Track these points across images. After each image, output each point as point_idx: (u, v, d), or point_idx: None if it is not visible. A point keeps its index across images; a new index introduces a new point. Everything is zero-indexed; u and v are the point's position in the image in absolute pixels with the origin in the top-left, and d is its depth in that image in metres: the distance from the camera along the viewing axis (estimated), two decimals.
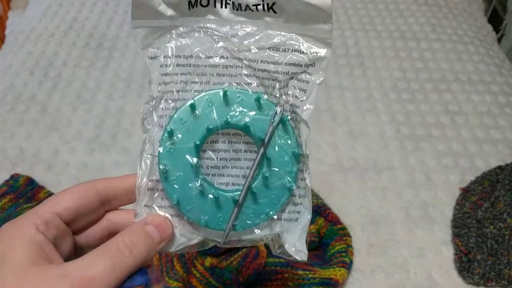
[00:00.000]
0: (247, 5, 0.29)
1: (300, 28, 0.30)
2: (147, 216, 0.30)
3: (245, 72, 0.30)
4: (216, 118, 0.29)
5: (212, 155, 0.30)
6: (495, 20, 1.08)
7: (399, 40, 0.94)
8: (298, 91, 0.31)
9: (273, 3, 0.29)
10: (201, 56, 0.30)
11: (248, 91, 0.30)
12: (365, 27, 0.98)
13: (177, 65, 0.30)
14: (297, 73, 0.30)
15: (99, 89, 0.80)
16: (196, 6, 0.29)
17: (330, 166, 0.69)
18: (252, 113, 0.29)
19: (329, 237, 0.57)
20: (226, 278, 0.51)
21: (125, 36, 0.93)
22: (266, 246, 0.54)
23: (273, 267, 0.53)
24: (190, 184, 0.29)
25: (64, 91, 0.80)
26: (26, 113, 0.75)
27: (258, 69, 0.30)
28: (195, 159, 0.29)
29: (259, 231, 0.30)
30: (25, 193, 0.61)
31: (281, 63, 0.30)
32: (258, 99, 0.29)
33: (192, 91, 0.30)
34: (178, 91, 0.30)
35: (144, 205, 0.30)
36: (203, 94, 0.30)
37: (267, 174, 0.29)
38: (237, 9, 0.29)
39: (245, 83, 0.30)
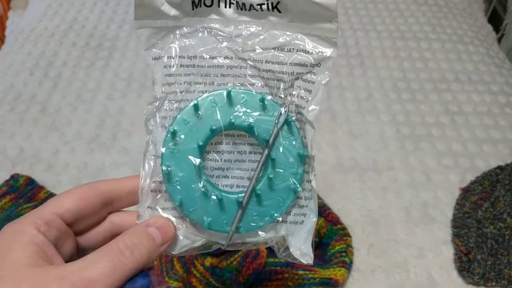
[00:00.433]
0: (251, 5, 0.29)
1: (305, 28, 0.29)
2: (149, 217, 0.29)
3: (249, 72, 0.29)
4: (219, 118, 0.29)
5: (216, 156, 0.30)
6: (495, 20, 1.08)
7: (399, 40, 0.94)
8: (303, 91, 0.30)
9: (278, 3, 0.28)
10: (205, 57, 0.29)
11: (252, 91, 0.29)
12: (365, 27, 0.98)
13: (180, 66, 0.29)
14: (302, 73, 0.30)
15: (99, 89, 0.80)
16: (200, 6, 0.29)
17: (330, 166, 0.69)
18: (256, 113, 0.29)
19: (329, 237, 0.57)
20: (226, 278, 0.51)
21: (125, 36, 0.93)
22: (267, 247, 0.54)
23: (273, 267, 0.53)
24: (193, 185, 0.29)
25: (64, 91, 0.80)
26: (26, 113, 0.75)
27: (262, 69, 0.29)
28: (198, 160, 0.29)
29: (263, 233, 0.30)
30: (25, 193, 0.61)
31: (286, 63, 0.29)
32: (262, 100, 0.29)
33: (196, 92, 0.29)
34: (181, 92, 0.30)
35: (147, 207, 0.30)
36: (206, 94, 0.29)
37: (271, 176, 0.29)
38: (241, 9, 0.29)
39: (249, 84, 0.30)
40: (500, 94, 0.83)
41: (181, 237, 0.30)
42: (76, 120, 0.74)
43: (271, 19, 0.29)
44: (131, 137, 0.72)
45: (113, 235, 0.29)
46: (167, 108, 0.30)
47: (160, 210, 0.30)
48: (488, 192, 0.64)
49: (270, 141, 0.29)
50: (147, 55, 0.30)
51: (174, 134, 0.29)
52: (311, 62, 0.30)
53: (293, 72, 0.29)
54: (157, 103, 0.30)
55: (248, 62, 0.29)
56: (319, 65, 0.30)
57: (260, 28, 0.29)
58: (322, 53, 0.30)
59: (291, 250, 0.30)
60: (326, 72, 0.30)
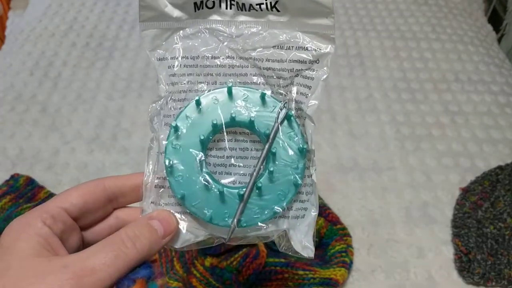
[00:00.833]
0: (250, 5, 0.30)
1: (303, 25, 0.30)
2: (152, 211, 0.30)
3: (250, 71, 0.30)
4: (220, 114, 0.30)
5: (218, 153, 0.30)
6: (495, 20, 1.08)
7: (399, 40, 0.94)
8: (303, 87, 0.31)
9: (276, 2, 0.29)
10: (208, 57, 0.30)
11: (253, 88, 0.30)
12: (365, 27, 0.98)
13: (184, 66, 0.30)
14: (301, 70, 0.30)
15: (99, 89, 0.80)
16: (202, 8, 0.30)
17: (330, 166, 0.69)
18: (257, 109, 0.30)
19: (329, 237, 0.57)
20: (226, 278, 0.51)
21: (125, 36, 0.93)
22: (267, 246, 0.54)
23: (273, 267, 0.53)
24: (194, 179, 0.29)
25: (64, 91, 0.80)
26: (26, 113, 0.75)
27: (263, 67, 0.30)
28: (200, 154, 0.29)
29: (264, 227, 0.30)
30: (25, 193, 0.61)
31: (286, 61, 0.30)
32: (263, 96, 0.30)
33: (199, 91, 0.30)
34: (185, 91, 0.30)
35: (151, 202, 0.30)
36: (208, 92, 0.30)
37: (272, 170, 0.29)
38: (242, 9, 0.30)
39: (250, 82, 0.30)
40: (500, 94, 0.83)
41: (183, 231, 0.30)
42: (76, 120, 0.74)
43: (271, 18, 0.30)
44: (131, 137, 0.72)
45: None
46: (171, 107, 0.30)
47: (163, 205, 0.30)
48: (488, 192, 0.64)
49: (271, 136, 0.29)
50: (152, 56, 0.31)
51: (176, 129, 0.30)
52: (310, 58, 0.30)
53: (293, 69, 0.30)
54: (161, 101, 0.31)
55: (249, 61, 0.30)
56: (317, 61, 0.31)
57: (260, 28, 0.30)
58: (320, 49, 0.30)
59: (292, 244, 0.30)
60: (325, 68, 0.31)
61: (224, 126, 0.30)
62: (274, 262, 0.53)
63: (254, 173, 0.29)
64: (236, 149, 0.30)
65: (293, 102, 0.30)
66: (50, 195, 0.61)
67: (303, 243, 0.30)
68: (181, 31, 0.30)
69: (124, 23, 0.97)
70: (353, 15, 1.01)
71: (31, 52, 0.88)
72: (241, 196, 0.29)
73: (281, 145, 0.30)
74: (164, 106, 0.31)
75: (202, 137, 0.29)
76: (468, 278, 0.55)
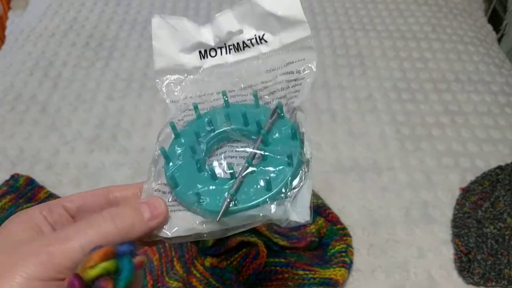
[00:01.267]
0: (243, 42, 0.35)
1: (288, 46, 0.35)
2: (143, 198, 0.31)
3: (249, 98, 0.35)
4: (217, 118, 0.33)
5: (219, 163, 0.33)
6: (495, 20, 1.08)
7: (399, 40, 0.94)
8: (293, 92, 0.34)
9: (263, 34, 0.35)
10: (213, 93, 0.35)
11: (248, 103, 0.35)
12: (365, 27, 0.98)
13: (192, 101, 0.35)
14: (291, 81, 0.34)
15: (99, 89, 0.80)
16: (206, 57, 0.35)
17: (330, 166, 0.69)
18: (248, 112, 0.33)
19: (329, 237, 0.57)
20: (226, 278, 0.51)
21: (125, 36, 0.93)
22: (267, 246, 0.54)
23: (273, 267, 0.53)
24: (189, 166, 0.31)
25: (64, 91, 0.80)
26: (26, 113, 0.75)
27: (259, 89, 0.35)
28: (195, 146, 0.32)
29: (261, 209, 0.29)
30: (25, 193, 0.61)
31: (277, 77, 0.34)
32: (255, 97, 0.34)
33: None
34: (191, 115, 0.35)
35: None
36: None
37: (267, 152, 0.31)
38: (238, 50, 0.35)
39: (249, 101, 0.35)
40: (500, 94, 0.83)
41: (176, 222, 0.30)
42: (76, 120, 0.74)
43: (261, 49, 0.35)
44: (131, 137, 0.72)
45: None
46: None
47: None
48: (488, 192, 0.64)
49: (266, 128, 0.32)
50: (167, 98, 0.35)
51: (174, 126, 0.33)
52: (297, 69, 0.34)
53: (283, 80, 0.34)
54: (166, 127, 0.34)
55: (247, 89, 0.35)
56: (304, 70, 0.34)
57: (255, 60, 0.35)
58: (304, 59, 0.34)
59: (288, 217, 0.29)
60: (312, 72, 0.34)
61: (217, 135, 0.33)
62: (274, 262, 0.53)
63: (248, 158, 0.31)
64: (236, 157, 0.33)
65: (285, 102, 0.34)
66: (50, 195, 0.61)
67: (298, 212, 0.29)
68: (190, 77, 0.35)
69: (124, 23, 0.97)
70: (353, 15, 1.01)
71: (31, 52, 0.88)
72: (234, 177, 0.30)
73: (275, 133, 0.32)
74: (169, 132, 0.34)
75: (198, 135, 0.32)
76: (468, 278, 0.55)
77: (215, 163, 0.32)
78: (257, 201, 0.29)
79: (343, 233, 0.57)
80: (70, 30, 0.94)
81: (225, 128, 0.33)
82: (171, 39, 0.35)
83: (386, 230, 0.60)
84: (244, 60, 0.35)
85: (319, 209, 0.59)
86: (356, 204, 0.63)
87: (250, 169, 0.30)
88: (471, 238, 0.58)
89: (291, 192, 0.30)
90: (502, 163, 0.69)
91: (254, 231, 0.53)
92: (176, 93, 0.35)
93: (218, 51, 0.35)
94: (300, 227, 0.57)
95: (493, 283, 0.55)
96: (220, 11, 0.35)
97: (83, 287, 0.22)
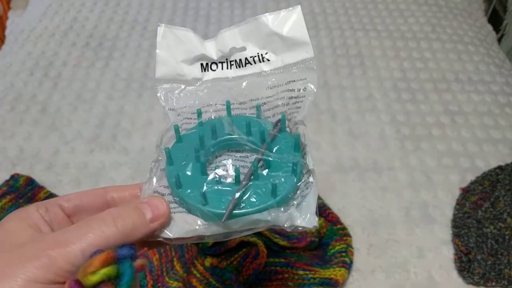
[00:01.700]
0: (246, 59, 0.36)
1: (289, 66, 0.36)
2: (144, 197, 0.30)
3: (249, 112, 0.35)
4: (221, 126, 0.33)
5: (219, 164, 0.33)
6: (495, 20, 1.08)
7: (399, 40, 0.94)
8: (293, 109, 0.35)
9: (266, 53, 0.35)
10: (212, 105, 0.36)
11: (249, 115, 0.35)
12: (365, 27, 0.98)
13: (191, 113, 0.35)
14: (292, 98, 0.35)
15: (99, 89, 0.80)
16: (207, 70, 0.36)
17: (330, 166, 0.69)
18: (251, 121, 0.34)
19: (329, 237, 0.57)
20: (226, 278, 0.51)
21: (125, 36, 0.93)
22: (267, 246, 0.54)
23: (273, 267, 0.53)
24: (192, 169, 0.31)
25: (64, 91, 0.80)
26: (26, 113, 0.75)
27: (259, 104, 0.35)
28: (197, 148, 0.32)
29: (266, 214, 0.30)
30: (25, 193, 0.61)
31: (278, 94, 0.35)
32: (257, 108, 0.34)
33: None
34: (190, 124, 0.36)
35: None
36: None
37: (271, 163, 0.31)
38: (239, 66, 0.36)
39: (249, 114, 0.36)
40: (500, 94, 0.83)
41: (179, 223, 0.30)
42: (76, 120, 0.74)
43: (263, 67, 0.36)
44: (131, 137, 0.72)
45: None
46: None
47: None
48: (488, 192, 0.64)
49: (269, 138, 0.33)
50: (166, 105, 0.36)
51: (177, 129, 0.33)
52: (298, 88, 0.35)
53: (284, 97, 0.35)
54: (167, 132, 0.35)
55: (247, 103, 0.36)
56: (305, 89, 0.35)
57: (256, 77, 0.36)
58: (306, 78, 0.35)
59: (295, 222, 0.30)
60: (313, 91, 0.35)
61: (219, 142, 0.33)
62: (274, 262, 0.53)
63: (253, 161, 0.31)
64: (236, 162, 0.33)
65: (287, 120, 0.35)
66: (50, 195, 0.61)
67: (306, 217, 0.30)
68: (190, 88, 0.36)
69: (124, 23, 0.97)
70: (353, 15, 1.01)
71: (31, 52, 0.88)
72: (238, 181, 0.30)
73: (277, 142, 0.33)
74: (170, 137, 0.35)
75: (202, 140, 0.32)
76: (468, 278, 0.55)
77: (219, 168, 0.32)
78: (262, 205, 0.29)
79: (343, 233, 0.57)
80: (70, 30, 0.94)
81: (233, 136, 0.33)
82: (175, 49, 0.35)
83: (386, 230, 0.60)
84: (245, 76, 0.36)
85: (319, 209, 0.59)
86: (356, 204, 0.63)
87: (255, 172, 0.30)
88: (471, 238, 0.58)
89: (297, 198, 0.31)
90: (502, 163, 0.69)
91: None
92: (174, 102, 0.36)
93: (219, 65, 0.36)
94: None
95: (493, 283, 0.55)
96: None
97: None
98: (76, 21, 0.97)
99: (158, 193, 0.31)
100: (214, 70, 0.36)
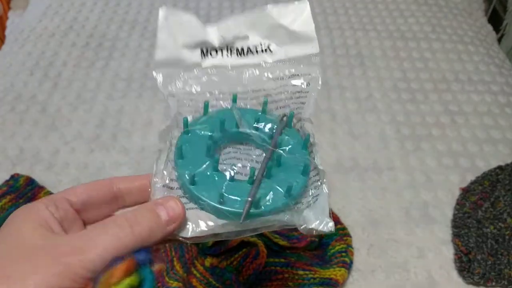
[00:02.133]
0: (248, 48, 0.35)
1: (293, 59, 0.35)
2: (159, 198, 0.29)
3: (250, 102, 0.35)
4: (229, 118, 0.33)
5: (225, 157, 0.32)
6: (495, 20, 1.08)
7: (399, 40, 0.94)
8: (297, 104, 0.35)
9: (269, 45, 0.35)
10: (212, 93, 0.35)
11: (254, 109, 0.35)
12: (365, 27, 0.98)
13: (190, 100, 0.35)
14: (295, 92, 0.35)
15: (99, 89, 0.80)
16: (207, 56, 0.35)
17: (330, 166, 0.69)
18: (259, 121, 0.34)
19: (329, 237, 0.57)
20: (226, 278, 0.51)
21: (125, 36, 0.93)
22: (267, 246, 0.54)
23: (273, 267, 0.53)
24: (206, 166, 0.30)
25: (64, 91, 0.80)
26: (26, 113, 0.75)
27: (261, 96, 0.35)
28: (209, 143, 0.31)
29: (279, 214, 0.30)
30: (25, 193, 0.61)
31: (281, 88, 0.35)
32: (265, 104, 0.34)
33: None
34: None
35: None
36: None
37: (281, 161, 0.31)
38: (241, 54, 0.35)
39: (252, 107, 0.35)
40: (500, 94, 0.83)
41: (193, 223, 0.29)
42: (76, 120, 0.74)
43: (265, 58, 0.35)
44: (131, 137, 0.72)
45: None
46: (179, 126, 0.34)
47: None
48: (488, 192, 0.64)
49: (277, 133, 0.32)
50: (164, 91, 0.35)
51: (186, 123, 0.33)
52: (302, 82, 0.35)
53: (288, 91, 0.35)
54: (171, 122, 0.34)
55: (248, 93, 0.35)
56: (309, 84, 0.35)
57: (257, 68, 0.35)
58: (310, 74, 0.35)
59: (310, 225, 0.30)
60: (317, 87, 0.35)
61: (227, 135, 0.32)
62: (274, 262, 0.53)
63: (265, 160, 0.31)
64: (240, 155, 0.33)
65: (291, 114, 0.35)
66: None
67: (320, 219, 0.31)
68: (189, 73, 0.35)
69: (124, 23, 0.97)
70: (353, 15, 1.01)
71: (31, 52, 0.88)
72: (252, 181, 0.30)
73: (286, 138, 0.33)
74: (173, 129, 0.34)
75: (211, 134, 0.32)
76: (468, 278, 0.55)
77: (229, 163, 0.32)
78: (277, 205, 0.29)
79: (343, 233, 0.57)
80: (70, 30, 0.94)
81: (247, 131, 0.33)
82: (176, 33, 0.34)
83: (386, 230, 0.60)
84: (246, 65, 0.35)
85: None
86: (356, 204, 0.63)
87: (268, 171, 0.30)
88: (471, 238, 0.58)
89: (309, 198, 0.31)
90: (502, 163, 0.69)
91: None
92: (174, 88, 0.35)
93: (220, 51, 0.35)
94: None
95: (493, 283, 0.55)
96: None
97: None
98: (76, 21, 0.97)
99: (168, 187, 0.31)
100: (214, 57, 0.35)
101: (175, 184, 0.31)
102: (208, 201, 0.29)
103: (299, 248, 0.55)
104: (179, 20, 0.34)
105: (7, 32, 1.01)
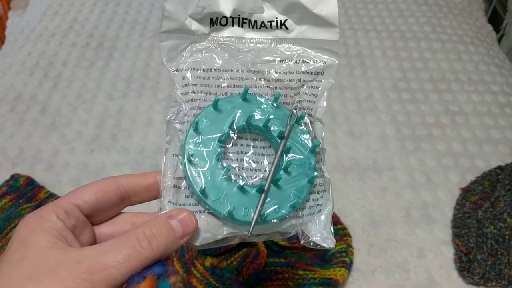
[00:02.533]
0: (262, 22, 0.32)
1: (310, 41, 0.33)
2: (172, 210, 0.29)
3: (259, 83, 0.32)
4: (238, 116, 0.31)
5: (233, 157, 0.31)
6: (495, 20, 1.08)
7: (399, 40, 0.94)
8: (309, 96, 0.33)
9: (285, 20, 0.32)
10: (219, 69, 0.32)
11: (265, 96, 0.32)
12: (366, 27, 0.98)
13: (197, 77, 0.32)
14: (308, 81, 0.33)
15: (99, 89, 0.80)
16: (216, 25, 0.33)
17: (330, 166, 0.69)
18: (270, 112, 0.31)
19: None
20: (226, 278, 0.51)
21: (125, 36, 0.93)
22: (267, 246, 0.54)
23: (273, 267, 0.53)
24: (214, 174, 0.29)
25: (64, 91, 0.80)
26: (26, 113, 0.75)
27: (272, 79, 0.32)
28: (219, 149, 0.30)
29: (284, 222, 0.30)
30: (25, 193, 0.61)
31: (293, 73, 0.32)
32: (275, 101, 0.32)
33: (210, 101, 0.32)
34: (198, 100, 0.32)
35: (168, 202, 0.30)
36: (224, 97, 0.32)
37: (289, 167, 0.30)
38: (253, 27, 0.32)
39: (259, 93, 0.32)
40: (500, 94, 0.83)
41: (203, 230, 0.30)
42: (76, 120, 0.74)
43: (279, 35, 0.33)
44: (131, 137, 0.72)
45: (132, 225, 0.30)
46: (186, 114, 0.32)
47: (180, 205, 0.30)
48: (488, 192, 0.64)
49: (286, 133, 0.31)
50: (168, 65, 0.32)
51: (196, 126, 0.30)
52: (316, 70, 0.33)
53: (300, 79, 0.33)
54: (177, 107, 0.32)
55: (258, 74, 0.32)
56: (322, 73, 0.33)
57: (269, 44, 0.33)
58: (325, 62, 0.33)
59: (312, 238, 0.31)
60: (330, 80, 0.33)
61: (238, 129, 0.31)
62: (274, 262, 0.53)
63: (272, 168, 0.30)
64: (249, 153, 0.31)
65: (301, 108, 0.32)
66: (50, 195, 0.61)
67: (323, 234, 0.31)
68: (196, 45, 0.32)
69: (124, 23, 0.96)
70: (353, 15, 1.01)
71: (31, 52, 0.88)
72: (261, 190, 0.29)
73: (294, 143, 0.31)
74: (180, 111, 0.32)
75: (220, 136, 0.30)
76: (468, 278, 0.55)
77: (235, 160, 0.31)
78: (283, 214, 0.30)
79: (343, 233, 0.57)
80: (70, 30, 0.94)
81: (259, 126, 0.31)
82: (186, 1, 0.32)
83: (386, 230, 0.60)
84: (256, 40, 0.33)
85: None
86: (356, 204, 0.63)
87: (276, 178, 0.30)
88: (471, 238, 0.58)
89: (315, 208, 0.31)
90: (502, 163, 0.69)
91: None
92: (178, 61, 0.32)
93: (230, 20, 0.32)
94: None
95: (493, 283, 0.55)
96: None
97: None
98: (76, 21, 0.97)
99: (175, 186, 0.30)
100: (224, 25, 0.33)
101: (182, 183, 0.30)
102: (220, 210, 0.29)
103: (299, 248, 0.55)
104: None
105: (7, 32, 1.01)
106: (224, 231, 0.30)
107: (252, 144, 0.32)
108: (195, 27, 0.32)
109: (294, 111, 0.32)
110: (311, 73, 0.33)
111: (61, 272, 0.24)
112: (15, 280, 0.23)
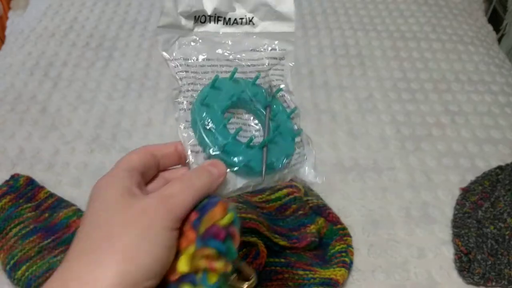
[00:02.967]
0: (235, 19, 0.40)
1: (272, 34, 0.41)
2: (204, 162, 0.35)
3: (238, 69, 0.39)
4: (232, 93, 0.37)
5: (237, 125, 0.37)
6: (495, 20, 1.08)
7: (399, 40, 0.94)
8: (277, 76, 0.41)
9: (252, 17, 0.40)
10: (204, 58, 0.39)
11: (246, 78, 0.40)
12: (366, 27, 0.98)
13: (186, 65, 0.38)
14: (274, 64, 0.41)
15: (99, 89, 0.80)
16: (198, 22, 0.40)
17: (330, 166, 0.69)
18: (253, 91, 0.38)
19: (329, 237, 0.57)
20: None
21: (125, 36, 0.93)
22: (267, 246, 0.54)
23: (273, 267, 0.53)
24: (226, 136, 0.35)
25: (64, 91, 0.80)
26: (26, 113, 0.75)
27: (246, 65, 0.40)
28: (225, 118, 0.36)
29: (283, 169, 0.37)
30: (25, 193, 0.61)
31: (262, 58, 0.40)
32: (256, 79, 0.39)
33: (199, 85, 0.38)
34: (191, 84, 0.38)
35: (192, 163, 0.36)
36: (219, 76, 0.38)
37: (276, 129, 0.37)
38: (227, 24, 0.40)
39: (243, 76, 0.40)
40: (500, 94, 0.83)
41: (223, 183, 0.35)
42: (76, 120, 0.74)
43: (247, 29, 0.41)
44: (131, 137, 0.72)
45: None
46: (184, 95, 0.38)
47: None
48: (488, 192, 0.64)
49: (269, 104, 0.38)
50: (164, 56, 0.38)
51: (202, 97, 0.36)
52: (279, 56, 0.41)
53: (268, 63, 0.40)
54: (177, 90, 0.38)
55: (234, 61, 0.39)
56: (283, 58, 0.41)
57: (241, 37, 0.40)
58: (285, 49, 0.41)
59: (304, 178, 0.38)
60: (291, 63, 0.41)
61: (233, 103, 0.37)
62: (274, 262, 0.53)
63: (266, 129, 0.37)
64: (245, 121, 0.38)
65: (274, 84, 0.40)
66: (50, 195, 0.61)
67: (312, 173, 0.39)
68: (184, 38, 0.39)
69: (124, 23, 0.97)
70: (353, 15, 1.01)
71: (31, 52, 0.88)
72: (263, 145, 0.36)
73: (276, 109, 0.39)
74: (179, 93, 0.38)
75: (223, 108, 0.36)
76: (468, 278, 0.55)
77: (241, 128, 0.36)
78: (282, 163, 0.36)
79: (343, 233, 0.57)
80: (70, 30, 0.94)
81: (233, 105, 0.37)
82: (179, 1, 0.38)
83: (386, 230, 0.60)
84: (229, 34, 0.40)
85: (319, 209, 0.59)
86: (356, 204, 0.63)
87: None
88: (471, 238, 0.58)
89: (302, 158, 0.39)
90: (502, 163, 0.69)
91: (254, 231, 0.53)
92: (171, 52, 0.38)
93: (208, 18, 0.40)
94: (300, 227, 0.57)
95: (493, 283, 0.55)
96: None
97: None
98: (76, 21, 0.97)
99: (194, 152, 0.35)
100: (203, 22, 0.40)
101: (198, 148, 0.35)
102: (237, 164, 0.35)
103: (299, 248, 0.55)
104: None
105: (7, 32, 1.01)
106: (240, 182, 0.35)
107: (245, 116, 0.39)
108: (183, 23, 0.39)
109: (270, 86, 0.39)
110: (276, 58, 0.41)
111: (136, 205, 0.29)
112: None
